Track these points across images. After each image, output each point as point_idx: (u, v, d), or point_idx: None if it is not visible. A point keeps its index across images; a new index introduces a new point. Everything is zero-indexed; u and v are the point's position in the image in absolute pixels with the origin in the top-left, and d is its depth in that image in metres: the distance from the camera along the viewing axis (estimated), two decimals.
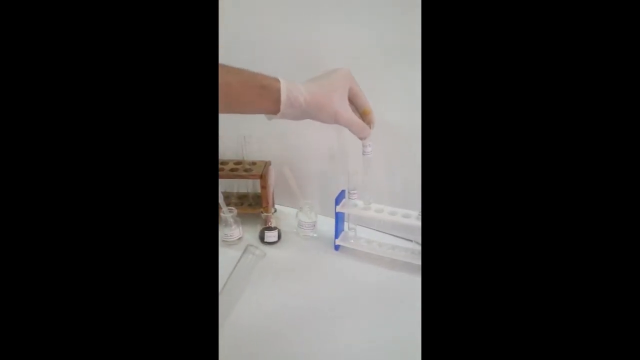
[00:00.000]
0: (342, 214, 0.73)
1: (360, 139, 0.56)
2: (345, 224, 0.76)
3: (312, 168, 0.82)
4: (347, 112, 0.51)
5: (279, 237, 0.76)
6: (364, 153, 0.61)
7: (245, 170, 0.77)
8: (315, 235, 0.78)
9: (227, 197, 0.81)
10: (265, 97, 0.47)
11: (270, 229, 0.75)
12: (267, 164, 0.80)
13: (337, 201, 0.70)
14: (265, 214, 0.75)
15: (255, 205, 0.82)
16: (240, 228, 0.75)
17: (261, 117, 0.82)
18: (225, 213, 0.73)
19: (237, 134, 0.79)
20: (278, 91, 0.47)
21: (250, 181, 0.84)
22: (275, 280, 0.66)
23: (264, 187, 0.76)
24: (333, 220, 0.73)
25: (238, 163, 0.80)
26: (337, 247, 0.74)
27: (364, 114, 0.55)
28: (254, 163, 0.80)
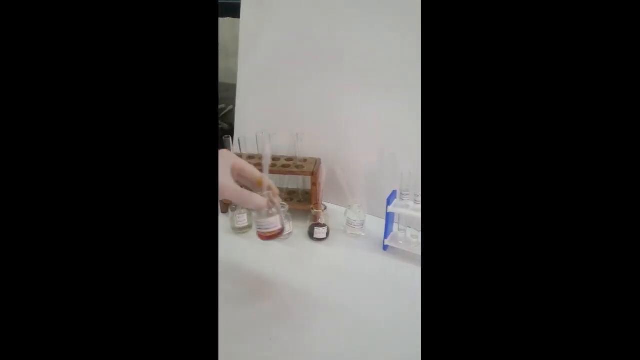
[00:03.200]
0: (392, 214, 0.72)
1: (257, 210, 0.54)
2: (395, 224, 0.75)
3: (362, 167, 0.82)
4: (233, 186, 0.51)
5: (328, 234, 0.77)
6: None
7: (297, 167, 0.79)
8: (363, 234, 0.78)
9: None
10: None
11: (319, 225, 0.76)
12: (317, 162, 0.81)
13: (389, 201, 0.69)
14: (316, 210, 0.76)
15: (304, 202, 0.83)
16: (290, 223, 0.77)
17: (314, 115, 0.83)
18: None
19: (289, 130, 0.80)
20: None
21: (300, 178, 0.85)
22: (324, 276, 0.66)
23: (314, 184, 0.77)
24: (381, 220, 0.73)
25: (289, 160, 0.82)
26: (385, 247, 0.74)
27: (257, 184, 0.55)
28: (305, 160, 0.81)
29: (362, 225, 0.77)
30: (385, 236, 0.73)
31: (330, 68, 0.76)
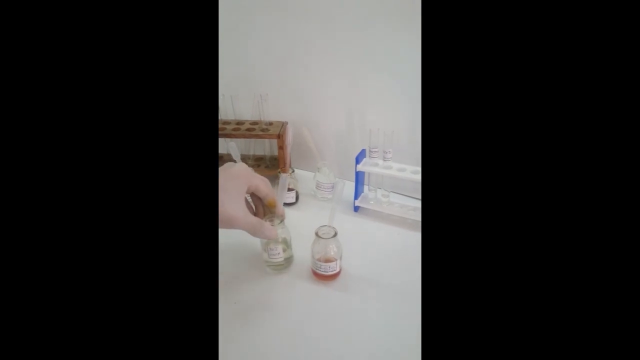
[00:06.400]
0: (362, 173, 0.70)
1: (267, 239, 0.52)
2: (365, 186, 0.73)
3: (330, 129, 0.79)
4: (246, 217, 0.46)
5: (297, 198, 0.74)
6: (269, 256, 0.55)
7: (262, 130, 0.75)
8: (330, 196, 0.75)
9: (243, 159, 0.79)
10: None
11: (288, 189, 0.73)
12: (284, 124, 0.77)
13: (358, 160, 0.67)
14: (283, 174, 0.73)
15: (272, 168, 0.80)
16: None
17: (278, 76, 0.79)
18: None
19: (253, 92, 0.76)
20: None
21: (267, 144, 0.82)
22: (293, 241, 0.64)
23: (281, 147, 0.74)
24: (352, 184, 0.71)
25: (254, 123, 0.78)
26: (356, 209, 0.72)
27: (269, 205, 0.52)
28: (270, 123, 0.77)
29: (332, 187, 0.75)
30: (356, 197, 0.71)
31: (295, 26, 0.72)
